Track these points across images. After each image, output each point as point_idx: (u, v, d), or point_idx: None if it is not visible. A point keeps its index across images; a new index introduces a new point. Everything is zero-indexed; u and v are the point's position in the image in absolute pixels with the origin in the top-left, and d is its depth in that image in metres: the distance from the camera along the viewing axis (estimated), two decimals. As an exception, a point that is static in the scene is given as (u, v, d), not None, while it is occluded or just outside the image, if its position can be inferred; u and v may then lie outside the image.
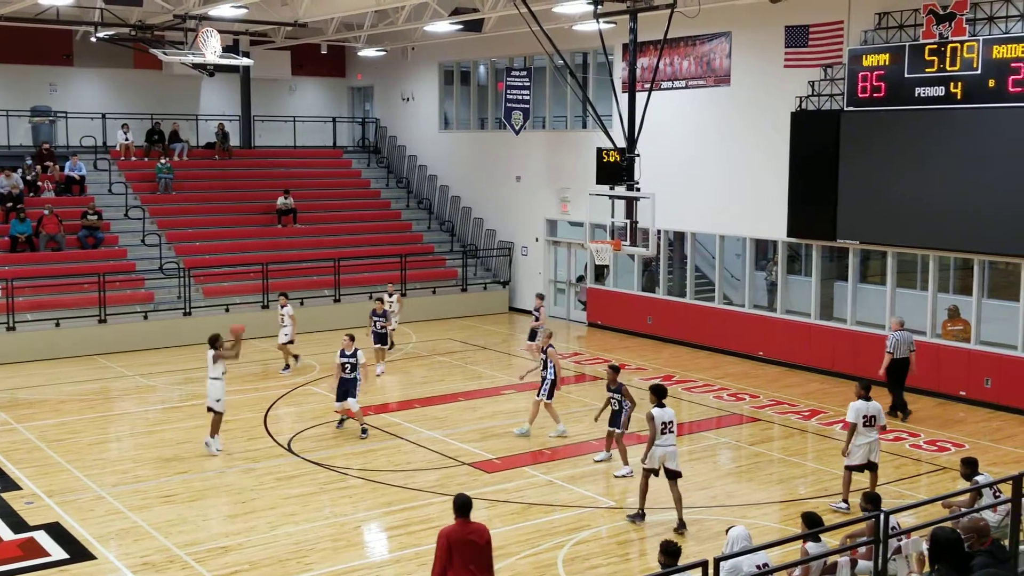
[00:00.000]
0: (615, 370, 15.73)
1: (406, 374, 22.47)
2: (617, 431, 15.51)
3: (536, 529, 13.39)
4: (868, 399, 13.89)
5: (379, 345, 22.26)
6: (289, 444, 17.12)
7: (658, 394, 13.48)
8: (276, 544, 12.89)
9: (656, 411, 13.25)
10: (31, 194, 27.79)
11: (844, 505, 13.91)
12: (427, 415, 19.03)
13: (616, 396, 15.50)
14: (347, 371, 17.31)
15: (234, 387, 20.84)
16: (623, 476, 15.30)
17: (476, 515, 13.70)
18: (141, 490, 14.87)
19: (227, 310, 25.92)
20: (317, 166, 34.22)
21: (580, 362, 23.74)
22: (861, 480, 14.16)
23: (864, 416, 13.80)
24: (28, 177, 28.07)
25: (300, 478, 15.43)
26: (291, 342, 22.29)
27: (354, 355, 17.34)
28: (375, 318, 22.28)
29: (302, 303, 27.04)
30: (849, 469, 14.01)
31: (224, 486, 15.11)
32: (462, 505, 9.41)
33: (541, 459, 16.34)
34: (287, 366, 22.46)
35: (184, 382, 21.59)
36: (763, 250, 24.22)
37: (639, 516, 13.59)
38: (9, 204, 26.82)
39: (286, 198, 30.30)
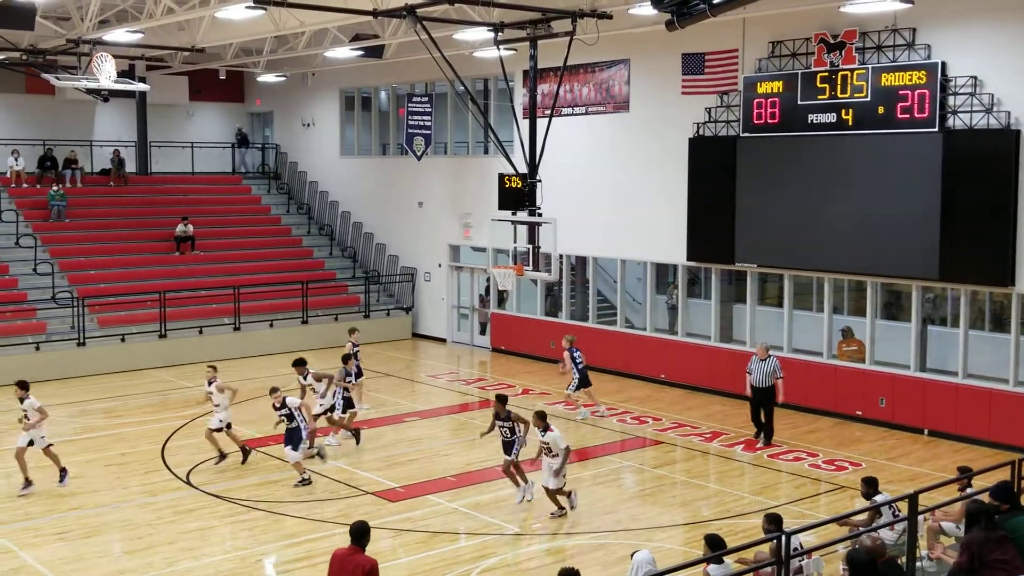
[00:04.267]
0: (502, 400, 15.43)
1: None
2: (509, 458, 15.24)
3: (442, 558, 13.27)
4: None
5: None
6: (188, 477, 16.73)
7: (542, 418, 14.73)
8: (174, 580, 12.56)
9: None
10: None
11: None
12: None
13: (506, 424, 15.19)
14: (288, 422, 16.23)
15: (132, 419, 20.39)
16: (524, 501, 15.23)
17: (380, 545, 13.68)
18: (33, 527, 14.38)
19: (123, 340, 25.32)
20: (216, 192, 33.71)
21: (484, 387, 23.71)
22: (766, 502, 14.33)
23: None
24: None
25: (199, 511, 15.07)
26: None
27: (283, 406, 16.18)
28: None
29: (201, 331, 26.57)
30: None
31: (120, 521, 14.68)
32: (354, 532, 9.34)
33: (445, 487, 16.25)
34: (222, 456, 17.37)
35: (79, 414, 21.01)
36: (664, 274, 24.52)
37: None
38: None
39: (185, 225, 29.76)
